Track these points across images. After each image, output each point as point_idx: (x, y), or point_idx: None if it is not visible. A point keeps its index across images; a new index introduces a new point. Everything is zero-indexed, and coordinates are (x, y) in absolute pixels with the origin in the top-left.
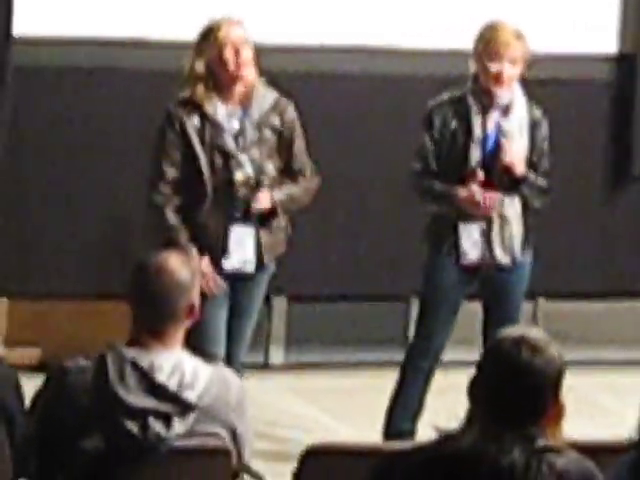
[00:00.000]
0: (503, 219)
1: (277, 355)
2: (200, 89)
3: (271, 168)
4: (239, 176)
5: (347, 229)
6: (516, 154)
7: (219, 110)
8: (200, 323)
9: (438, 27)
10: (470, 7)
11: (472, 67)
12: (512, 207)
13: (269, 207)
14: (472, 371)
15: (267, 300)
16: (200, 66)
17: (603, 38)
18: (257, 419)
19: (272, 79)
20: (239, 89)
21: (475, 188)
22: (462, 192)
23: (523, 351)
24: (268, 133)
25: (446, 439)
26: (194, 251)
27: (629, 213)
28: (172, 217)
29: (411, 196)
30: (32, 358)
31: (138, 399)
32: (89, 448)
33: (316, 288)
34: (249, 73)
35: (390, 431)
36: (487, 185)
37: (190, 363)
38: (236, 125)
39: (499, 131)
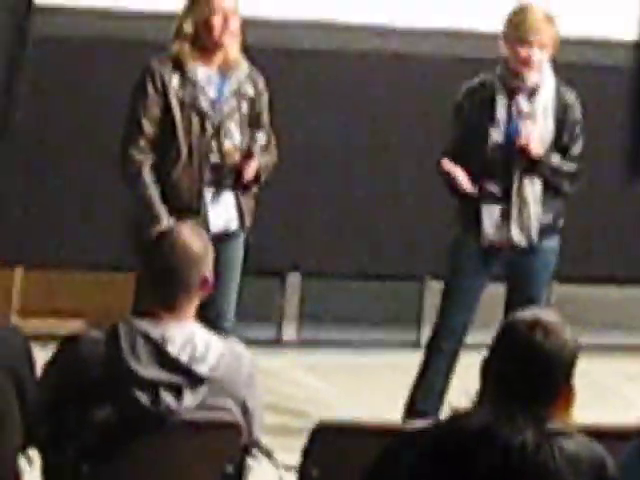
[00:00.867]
0: (522, 200)
1: (290, 331)
2: (185, 48)
3: (262, 136)
4: (228, 145)
5: (363, 206)
6: (533, 136)
7: (199, 72)
8: None
9: (468, 8)
10: None
11: (502, 50)
12: (531, 189)
13: (253, 177)
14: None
15: (280, 276)
16: (188, 26)
17: (622, 24)
18: (268, 394)
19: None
20: (220, 56)
21: (447, 165)
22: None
23: (537, 333)
24: (244, 101)
25: (457, 418)
26: (166, 214)
27: None
28: (147, 175)
29: (428, 177)
30: (46, 328)
31: (149, 371)
32: (100, 418)
33: (330, 265)
34: (233, 43)
35: (412, 411)
36: (505, 168)
37: (202, 336)
38: (214, 91)
39: (517, 112)
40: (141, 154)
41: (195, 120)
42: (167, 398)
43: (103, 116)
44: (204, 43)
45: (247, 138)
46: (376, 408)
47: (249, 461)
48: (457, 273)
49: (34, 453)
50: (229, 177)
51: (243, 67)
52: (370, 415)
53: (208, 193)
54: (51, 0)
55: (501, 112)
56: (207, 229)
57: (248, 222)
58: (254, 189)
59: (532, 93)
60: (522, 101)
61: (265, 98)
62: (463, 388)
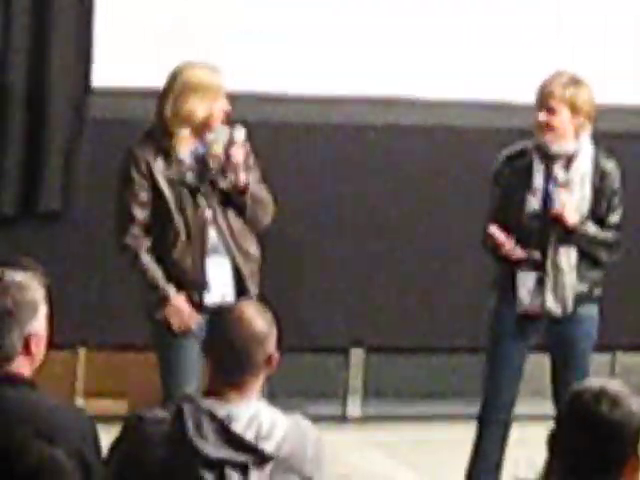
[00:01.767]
0: (557, 269)
1: (354, 407)
2: (185, 133)
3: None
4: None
5: (425, 280)
6: (569, 204)
7: (183, 149)
8: (175, 360)
9: (516, 80)
10: (545, 61)
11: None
12: (566, 258)
13: (242, 184)
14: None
15: (345, 352)
16: (202, 113)
17: None
18: (334, 472)
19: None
20: (202, 134)
21: (493, 229)
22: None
23: (603, 404)
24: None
25: None
26: (173, 291)
27: None
28: (146, 258)
29: (480, 248)
30: (113, 409)
31: (215, 450)
32: None
33: (394, 339)
34: (220, 121)
35: None
36: (540, 236)
37: (267, 413)
38: (195, 162)
39: (553, 181)
40: (135, 241)
41: (186, 196)
42: (234, 477)
43: None
44: (201, 127)
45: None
46: None
47: None
48: (496, 343)
49: None
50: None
51: (224, 131)
52: None
53: (211, 262)
54: (108, 82)
55: (538, 180)
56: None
57: (252, 288)
58: (253, 250)
59: (569, 161)
60: (558, 169)
61: (250, 158)
62: (523, 459)
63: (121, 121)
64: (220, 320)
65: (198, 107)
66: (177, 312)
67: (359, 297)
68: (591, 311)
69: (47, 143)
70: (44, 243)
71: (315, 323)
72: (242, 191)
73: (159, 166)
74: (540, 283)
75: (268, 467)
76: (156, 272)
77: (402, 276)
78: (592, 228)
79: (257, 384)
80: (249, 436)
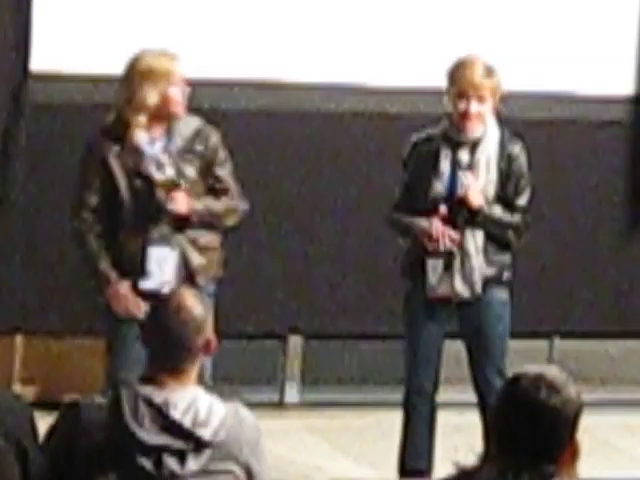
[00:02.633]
0: (464, 253)
1: (292, 394)
2: (141, 119)
3: (191, 171)
4: (159, 176)
5: (362, 267)
6: (473, 187)
7: (141, 138)
8: (117, 346)
9: (427, 65)
10: (484, 46)
11: (445, 104)
12: (473, 241)
13: (184, 211)
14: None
15: (282, 338)
16: (153, 99)
17: (619, 79)
18: (271, 457)
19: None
20: (165, 121)
21: (435, 223)
22: (421, 224)
23: (541, 390)
24: (191, 158)
25: (463, 475)
26: (114, 275)
27: None
28: (93, 243)
29: None
30: (47, 395)
31: (152, 436)
32: None
33: (331, 326)
34: (180, 110)
35: (403, 471)
36: (449, 221)
37: (205, 400)
38: (158, 153)
39: (458, 165)
40: (84, 225)
41: (140, 185)
42: (170, 463)
43: None
44: (159, 113)
45: (196, 175)
46: (378, 469)
47: None
48: (411, 330)
49: None
50: (156, 211)
51: (190, 123)
52: (375, 476)
53: (154, 254)
54: (48, 67)
55: (444, 165)
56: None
57: (201, 281)
58: (214, 244)
59: (474, 145)
60: (463, 153)
61: (221, 153)
62: (462, 445)
63: (60, 106)
64: (158, 307)
65: (149, 93)
66: (118, 297)
67: (297, 284)
68: (501, 295)
69: None
70: None
71: (253, 310)
72: (186, 218)
73: (115, 154)
74: (448, 267)
75: (205, 453)
76: (101, 256)
77: (340, 264)
78: (498, 211)
79: (194, 370)
80: (186, 422)
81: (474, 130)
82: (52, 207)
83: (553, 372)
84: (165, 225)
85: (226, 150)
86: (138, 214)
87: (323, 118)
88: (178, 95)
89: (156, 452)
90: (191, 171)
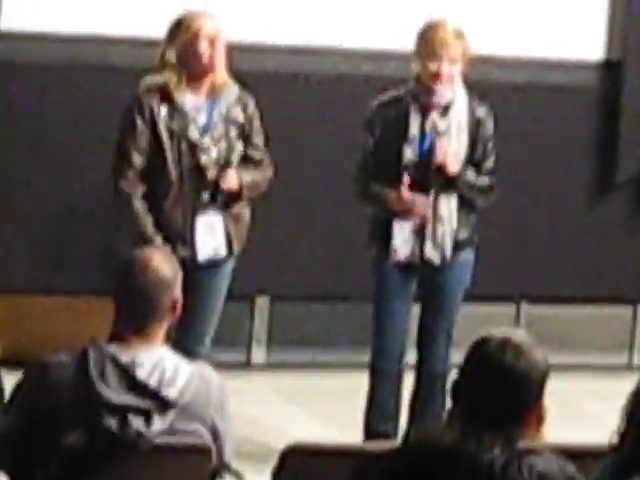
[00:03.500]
0: (437, 217)
1: (259, 354)
2: (173, 78)
3: (239, 146)
4: (205, 159)
5: (329, 229)
6: (449, 153)
7: (187, 101)
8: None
9: (386, 28)
10: (453, 9)
11: (414, 67)
12: (447, 206)
13: (236, 188)
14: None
15: (250, 299)
16: (172, 55)
17: (589, 44)
18: (238, 418)
19: (240, 77)
20: (208, 82)
21: (404, 192)
22: (392, 195)
23: (507, 353)
24: (233, 126)
25: (426, 437)
26: (159, 241)
27: (613, 219)
28: (139, 205)
29: None
30: (13, 353)
31: (118, 395)
32: (68, 444)
33: (298, 288)
34: (221, 67)
35: (369, 433)
36: (420, 185)
37: (171, 360)
38: (203, 118)
39: (433, 130)
40: (130, 186)
41: (185, 150)
42: (136, 423)
43: (63, 142)
44: (192, 70)
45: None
46: (346, 430)
47: None
48: (379, 293)
49: (2, 478)
50: (208, 191)
51: (232, 90)
52: (341, 438)
53: (200, 221)
54: (17, 26)
55: (414, 129)
56: (194, 258)
57: (236, 250)
58: (239, 212)
59: (445, 110)
60: (436, 118)
61: (256, 119)
62: None
63: (30, 64)
64: (126, 266)
65: (167, 49)
66: None
67: (264, 245)
68: (468, 256)
69: None
70: None
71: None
72: (237, 194)
73: (163, 115)
74: (417, 232)
75: (171, 413)
76: (147, 220)
77: (307, 224)
78: (471, 175)
79: (161, 330)
80: (152, 382)
81: (444, 92)
82: (20, 165)
83: (520, 335)
84: (207, 191)
85: (259, 116)
86: (182, 180)
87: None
88: (207, 51)
89: (122, 411)
90: (239, 147)
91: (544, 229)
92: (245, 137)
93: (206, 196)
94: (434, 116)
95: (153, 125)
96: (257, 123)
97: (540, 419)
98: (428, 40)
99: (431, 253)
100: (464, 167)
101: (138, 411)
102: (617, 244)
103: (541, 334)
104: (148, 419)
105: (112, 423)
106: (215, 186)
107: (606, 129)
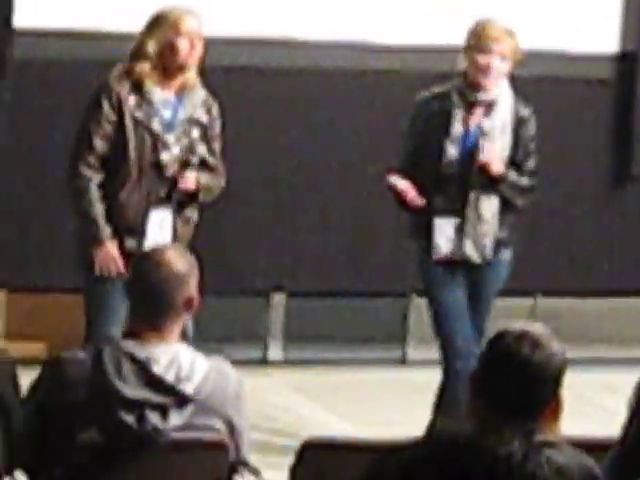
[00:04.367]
0: (479, 217)
1: (275, 351)
2: (146, 69)
3: (202, 149)
4: (165, 156)
5: (346, 225)
6: (494, 153)
7: (157, 94)
8: (99, 305)
9: (427, 23)
10: (470, 5)
11: (461, 64)
12: (489, 206)
13: (193, 189)
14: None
15: (266, 295)
16: (151, 46)
17: (604, 36)
18: (255, 414)
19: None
20: (179, 80)
21: (394, 179)
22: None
23: (524, 346)
24: (196, 127)
25: (445, 430)
26: (108, 233)
27: (629, 212)
28: (94, 191)
29: None
30: (33, 351)
31: (135, 391)
32: (86, 440)
33: (315, 284)
34: (194, 67)
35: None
36: (460, 183)
37: (187, 356)
38: (169, 114)
39: (479, 129)
40: (89, 170)
41: (148, 141)
42: (153, 418)
43: None
44: (167, 65)
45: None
46: (362, 425)
47: None
48: (432, 292)
49: (21, 476)
50: (164, 188)
51: (199, 92)
52: (358, 433)
53: (153, 216)
54: (31, 23)
55: (457, 127)
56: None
57: None
58: (190, 213)
59: (489, 108)
60: (481, 117)
61: (218, 125)
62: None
63: (44, 62)
64: (141, 262)
65: (152, 40)
66: (105, 256)
67: (281, 241)
68: (507, 256)
69: None
70: None
71: (237, 267)
72: (192, 195)
73: (130, 104)
74: (458, 230)
75: (188, 409)
76: (99, 209)
77: (323, 221)
78: (513, 175)
79: (177, 326)
80: (169, 378)
81: (492, 88)
82: (35, 162)
83: (537, 328)
84: (164, 187)
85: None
86: (142, 173)
87: (320, 75)
88: (185, 47)
89: (139, 407)
90: (202, 149)
91: (560, 222)
92: (206, 140)
93: (162, 192)
94: (477, 115)
95: (120, 112)
96: (218, 130)
97: (557, 412)
98: (480, 34)
99: (471, 251)
100: (507, 167)
101: (155, 406)
102: (634, 236)
103: (557, 328)
104: (165, 414)
105: (129, 418)
106: (173, 184)
107: (621, 121)
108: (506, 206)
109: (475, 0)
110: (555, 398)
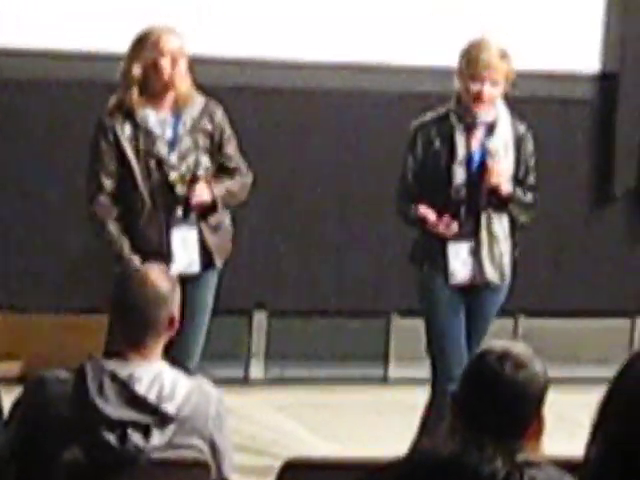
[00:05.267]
0: (492, 237)
1: (257, 370)
2: (134, 94)
3: (205, 160)
4: (173, 176)
5: (329, 244)
6: (502, 174)
7: (150, 117)
8: None
9: (420, 44)
10: (453, 23)
11: (456, 85)
12: (500, 225)
13: (209, 200)
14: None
15: (248, 314)
16: (136, 69)
17: (585, 56)
18: (236, 433)
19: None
20: (170, 97)
21: (424, 211)
22: (420, 212)
23: (507, 366)
24: (201, 137)
25: (427, 449)
26: (137, 260)
27: (610, 232)
28: (113, 229)
29: (393, 213)
30: (13, 371)
31: (117, 410)
32: (68, 459)
33: (297, 303)
34: (182, 83)
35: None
36: (470, 205)
37: (169, 375)
38: (170, 134)
39: (484, 151)
40: (103, 210)
41: (153, 167)
42: (135, 437)
43: (67, 157)
44: (153, 86)
45: (210, 165)
46: (344, 444)
47: None
48: (435, 315)
49: None
50: (179, 207)
51: (197, 102)
52: (339, 452)
53: (175, 235)
54: (12, 43)
55: (461, 149)
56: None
57: (218, 262)
58: (218, 222)
59: (490, 129)
60: (483, 138)
61: (227, 128)
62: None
63: (24, 82)
64: (123, 281)
65: (135, 64)
66: None
67: (262, 260)
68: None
69: None
70: None
71: (218, 285)
72: (211, 206)
73: (127, 134)
74: (473, 253)
75: (170, 428)
76: (122, 242)
77: (305, 240)
78: (519, 192)
79: (159, 345)
80: (151, 397)
81: (487, 112)
82: (14, 182)
83: (519, 348)
84: (179, 206)
85: (229, 124)
86: (154, 197)
87: (324, 96)
88: (167, 66)
89: (121, 426)
90: (204, 160)
91: (542, 242)
92: (217, 147)
93: (179, 211)
94: (481, 135)
95: (118, 146)
96: (228, 132)
97: (539, 431)
98: (471, 61)
99: (491, 274)
100: (514, 186)
101: (137, 426)
102: (615, 256)
103: (539, 347)
104: (147, 434)
105: (111, 438)
106: (187, 202)
107: (603, 141)
108: (512, 224)
109: (467, 21)
110: (537, 417)
